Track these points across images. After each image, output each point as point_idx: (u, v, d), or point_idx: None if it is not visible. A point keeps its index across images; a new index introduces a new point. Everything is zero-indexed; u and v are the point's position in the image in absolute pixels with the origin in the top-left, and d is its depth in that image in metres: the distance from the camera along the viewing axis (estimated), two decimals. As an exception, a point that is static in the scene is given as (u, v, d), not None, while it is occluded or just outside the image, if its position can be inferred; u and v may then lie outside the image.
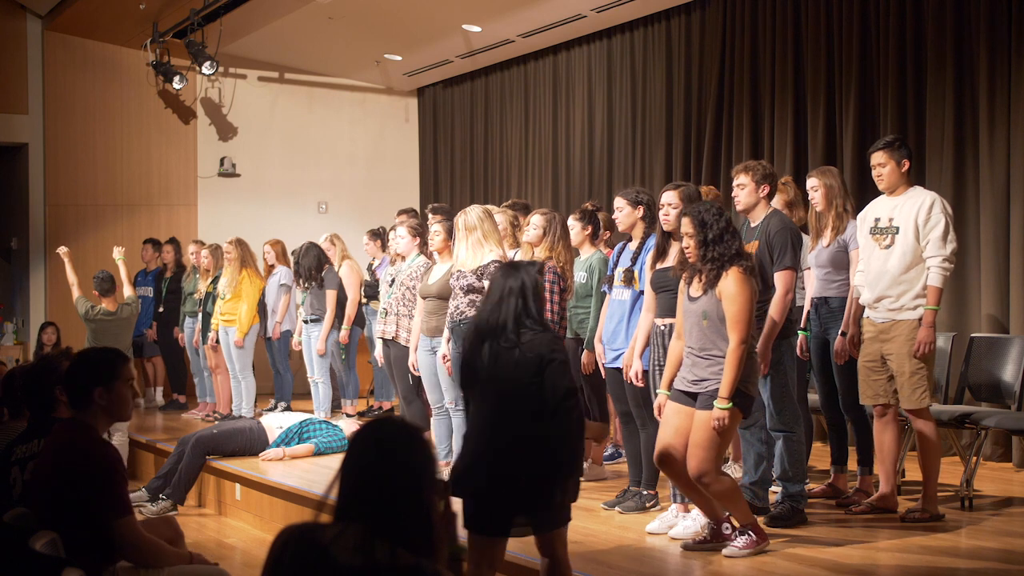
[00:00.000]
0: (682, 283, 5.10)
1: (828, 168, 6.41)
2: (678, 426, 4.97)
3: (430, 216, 7.97)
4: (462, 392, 4.36)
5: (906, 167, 5.69)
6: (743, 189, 5.66)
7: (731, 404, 4.79)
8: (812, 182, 6.19)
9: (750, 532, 4.97)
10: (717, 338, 4.88)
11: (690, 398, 4.95)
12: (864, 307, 5.80)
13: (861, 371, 5.79)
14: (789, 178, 6.86)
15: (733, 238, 4.91)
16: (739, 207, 5.73)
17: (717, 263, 4.86)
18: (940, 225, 5.53)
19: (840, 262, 6.04)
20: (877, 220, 5.71)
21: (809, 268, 6.21)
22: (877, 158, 5.71)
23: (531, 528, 4.20)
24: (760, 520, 5.37)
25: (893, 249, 5.62)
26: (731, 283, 4.83)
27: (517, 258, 6.84)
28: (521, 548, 4.51)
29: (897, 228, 5.62)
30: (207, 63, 11.84)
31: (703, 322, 4.91)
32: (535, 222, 6.58)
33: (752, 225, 5.66)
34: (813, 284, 6.20)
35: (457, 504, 2.54)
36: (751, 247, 5.58)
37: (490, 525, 4.17)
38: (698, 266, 4.94)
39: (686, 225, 4.98)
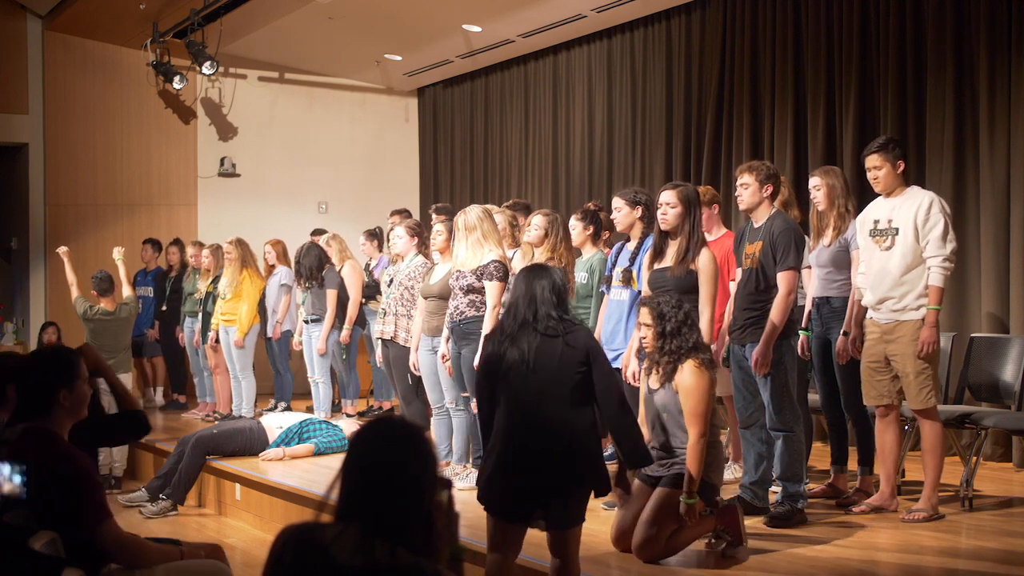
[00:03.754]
0: (642, 373, 5.13)
1: (831, 168, 6.40)
2: (637, 510, 4.94)
3: (433, 216, 7.96)
4: (483, 384, 4.27)
5: (901, 168, 5.69)
6: (747, 189, 5.66)
7: (697, 498, 4.80)
8: (815, 181, 6.18)
9: (722, 535, 4.96)
10: (677, 430, 4.90)
11: (655, 482, 4.97)
12: (866, 308, 5.80)
13: (864, 372, 5.78)
14: (784, 178, 6.86)
15: (691, 331, 4.91)
16: (742, 206, 5.73)
17: (673, 356, 4.89)
18: (939, 225, 5.53)
19: (842, 262, 6.03)
20: (876, 222, 5.71)
21: (809, 267, 6.21)
22: (872, 161, 5.70)
23: (545, 524, 4.19)
24: (760, 520, 5.38)
25: (893, 250, 5.61)
26: (687, 376, 4.83)
27: (515, 258, 6.85)
28: (524, 549, 4.51)
29: (897, 229, 5.61)
30: (207, 63, 11.83)
31: (663, 415, 4.94)
32: (537, 223, 6.57)
33: (756, 225, 5.66)
34: (814, 284, 6.20)
35: (459, 504, 2.53)
36: (754, 248, 5.59)
37: (512, 512, 4.16)
38: (655, 357, 4.96)
39: (644, 315, 5.00)
